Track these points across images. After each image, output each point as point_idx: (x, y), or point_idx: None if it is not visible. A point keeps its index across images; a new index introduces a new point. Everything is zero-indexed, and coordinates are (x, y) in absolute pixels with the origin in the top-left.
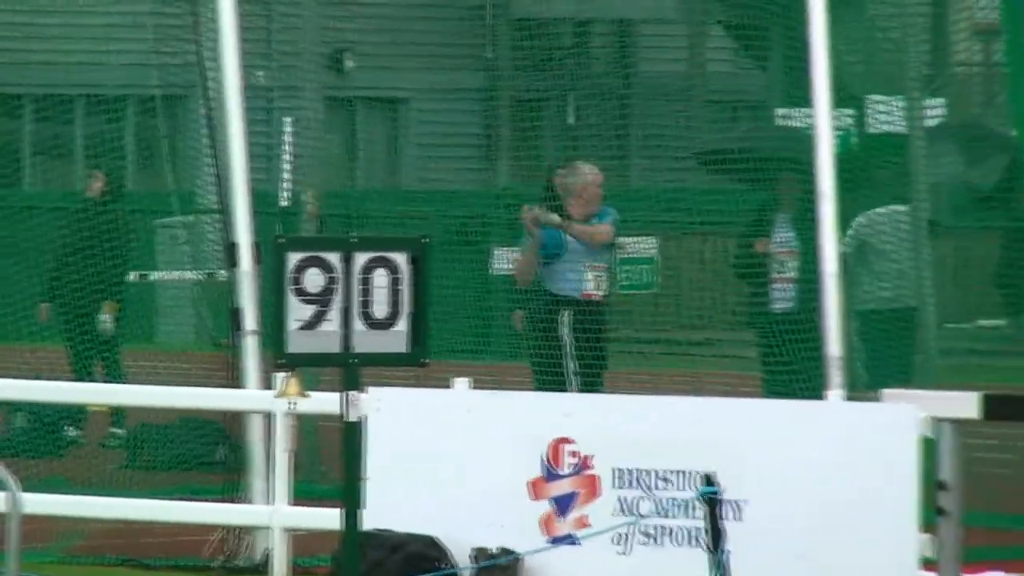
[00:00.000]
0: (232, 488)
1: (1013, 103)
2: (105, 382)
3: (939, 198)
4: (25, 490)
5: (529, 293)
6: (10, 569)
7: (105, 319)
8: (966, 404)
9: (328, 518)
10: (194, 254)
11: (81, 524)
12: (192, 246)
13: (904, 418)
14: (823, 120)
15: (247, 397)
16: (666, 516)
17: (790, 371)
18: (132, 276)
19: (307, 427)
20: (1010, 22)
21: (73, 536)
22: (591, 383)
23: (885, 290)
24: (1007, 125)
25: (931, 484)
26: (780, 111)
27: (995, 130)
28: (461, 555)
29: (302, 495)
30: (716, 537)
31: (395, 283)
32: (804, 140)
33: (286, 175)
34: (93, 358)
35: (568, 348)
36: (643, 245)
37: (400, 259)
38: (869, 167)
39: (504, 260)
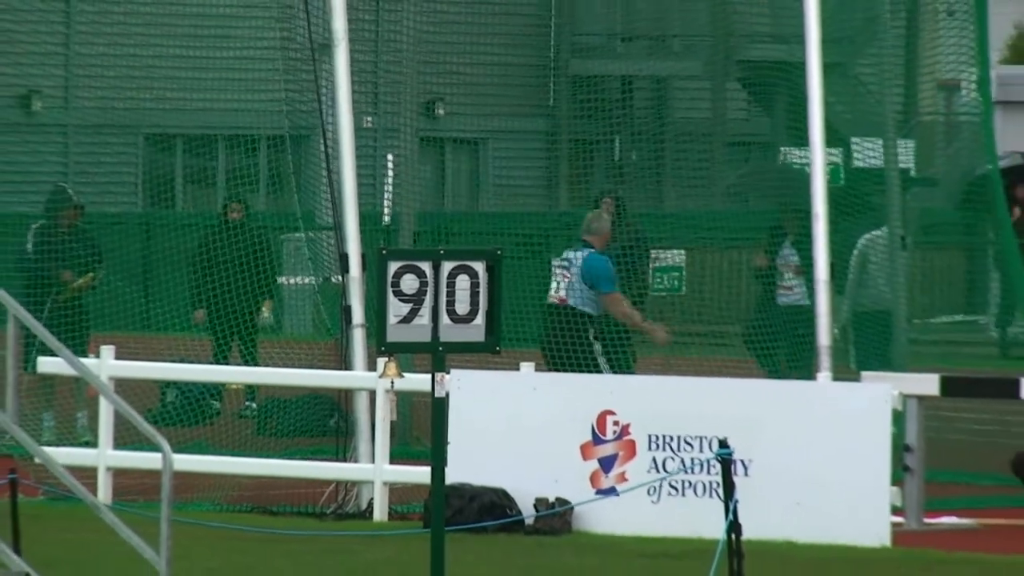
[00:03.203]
0: (342, 450)
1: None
2: (243, 365)
3: (911, 220)
4: (175, 452)
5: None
6: (163, 515)
7: (267, 313)
8: (928, 383)
9: (419, 474)
10: (314, 263)
11: (220, 480)
12: (312, 256)
13: (879, 395)
14: (818, 156)
15: (355, 377)
16: (689, 472)
17: (790, 358)
18: (282, 280)
19: (403, 402)
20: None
21: (218, 491)
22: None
23: (874, 294)
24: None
25: (900, 447)
26: (783, 149)
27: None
28: (525, 504)
29: (398, 456)
30: (729, 489)
31: (474, 286)
32: (802, 176)
33: (387, 199)
34: (231, 346)
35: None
36: (674, 256)
37: (479, 267)
38: (855, 196)
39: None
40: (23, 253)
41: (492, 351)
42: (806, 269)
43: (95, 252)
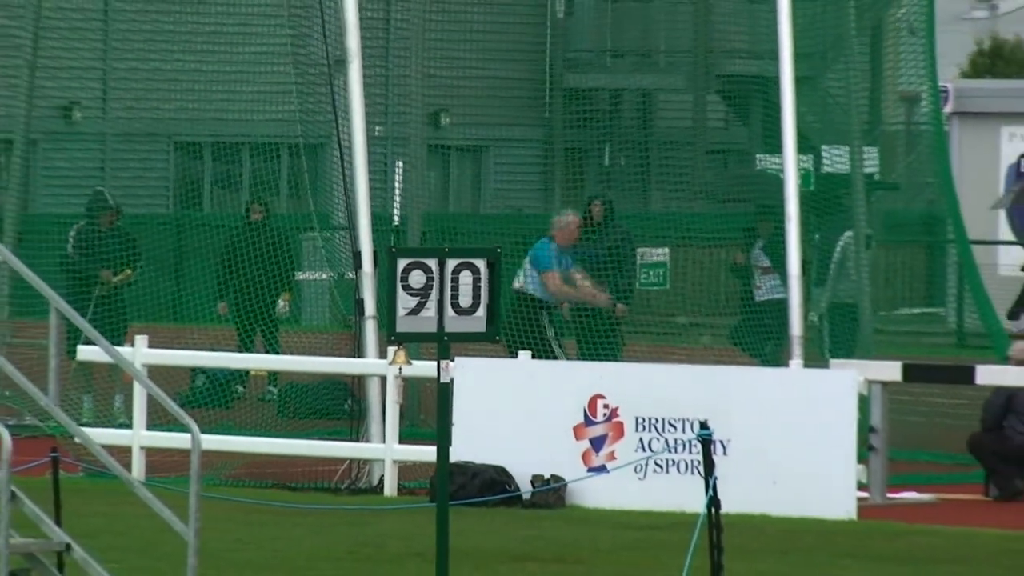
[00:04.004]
0: (356, 431)
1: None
2: (266, 353)
3: (876, 221)
4: (203, 432)
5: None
6: (192, 490)
7: (283, 305)
8: (891, 370)
9: (426, 453)
10: (329, 260)
11: (242, 457)
12: (328, 254)
13: (845, 380)
14: (790, 163)
15: (367, 364)
16: (672, 451)
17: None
18: (300, 275)
19: (411, 387)
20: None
21: (228, 466)
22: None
23: (848, 289)
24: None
25: (865, 428)
26: (759, 156)
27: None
28: (523, 481)
29: (407, 436)
30: (708, 467)
31: (476, 281)
32: (776, 181)
33: (397, 202)
34: (255, 335)
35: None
36: (659, 254)
37: (480, 264)
38: (824, 199)
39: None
40: (64, 254)
41: (492, 340)
42: (778, 268)
43: (133, 250)
